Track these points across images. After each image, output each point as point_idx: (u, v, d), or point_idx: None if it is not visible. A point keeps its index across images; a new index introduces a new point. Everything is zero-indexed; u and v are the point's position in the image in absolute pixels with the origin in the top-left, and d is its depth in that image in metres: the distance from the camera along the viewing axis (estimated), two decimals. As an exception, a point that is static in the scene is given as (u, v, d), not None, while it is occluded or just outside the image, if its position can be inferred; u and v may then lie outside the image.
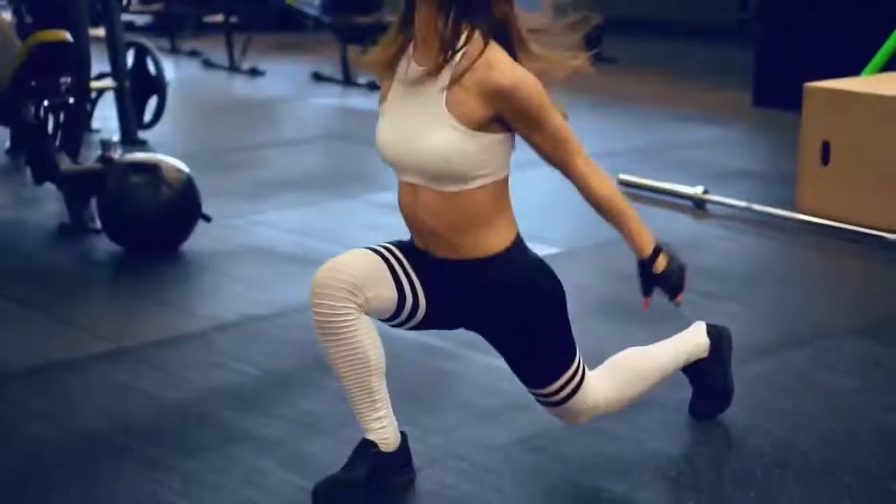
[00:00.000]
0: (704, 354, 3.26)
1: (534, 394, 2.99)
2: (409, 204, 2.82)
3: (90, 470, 3.02)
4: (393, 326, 2.89)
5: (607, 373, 3.07)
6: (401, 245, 2.89)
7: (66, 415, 3.35)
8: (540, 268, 2.88)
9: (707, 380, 3.28)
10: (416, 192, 2.78)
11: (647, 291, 2.91)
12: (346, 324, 2.75)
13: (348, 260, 2.79)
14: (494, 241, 2.80)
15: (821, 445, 3.17)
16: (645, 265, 2.88)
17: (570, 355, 2.92)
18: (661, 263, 2.88)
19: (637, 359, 3.13)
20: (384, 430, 2.86)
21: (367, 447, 2.86)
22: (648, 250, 2.87)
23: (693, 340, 3.25)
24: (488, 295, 2.83)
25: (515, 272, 2.82)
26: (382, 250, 2.84)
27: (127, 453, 3.11)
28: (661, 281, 2.89)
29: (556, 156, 2.79)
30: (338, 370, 2.81)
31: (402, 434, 2.92)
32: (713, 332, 3.29)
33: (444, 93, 2.69)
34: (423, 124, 2.71)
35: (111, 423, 3.29)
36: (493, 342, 2.95)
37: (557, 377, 2.91)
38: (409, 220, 2.85)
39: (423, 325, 2.90)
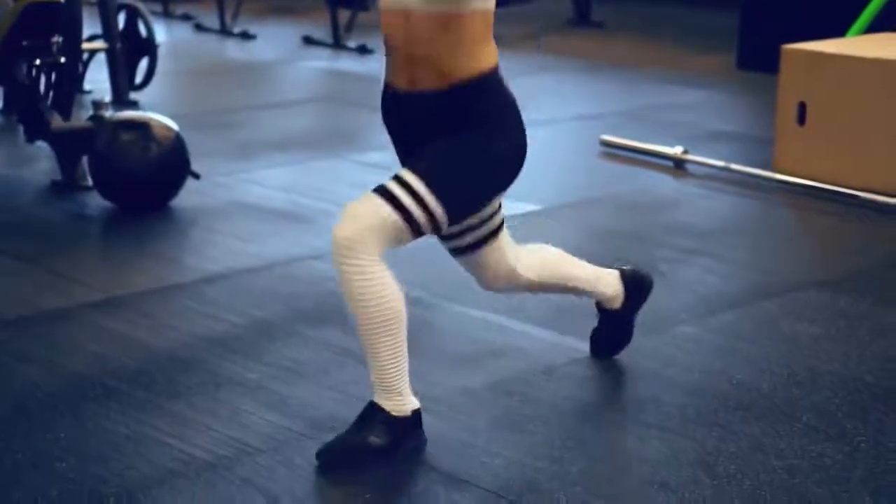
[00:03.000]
0: (616, 306, 3.40)
1: (441, 237, 3.06)
2: (398, 34, 2.85)
3: (80, 411, 3.15)
4: None
5: (534, 252, 3.22)
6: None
7: (58, 360, 3.47)
8: (513, 108, 2.91)
9: (614, 324, 3.44)
10: (409, 19, 2.82)
11: None
12: (376, 279, 2.81)
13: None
14: (483, 63, 2.85)
15: (783, 389, 3.30)
16: None
17: (485, 199, 2.97)
18: None
19: (562, 261, 3.28)
20: (410, 398, 2.92)
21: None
22: None
23: (612, 285, 3.37)
24: (458, 117, 2.85)
25: (493, 100, 2.87)
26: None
27: (116, 396, 3.24)
28: None
29: None
30: (372, 333, 2.83)
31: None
32: (630, 283, 3.41)
33: None
34: None
35: (101, 367, 3.41)
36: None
37: (459, 213, 2.89)
38: (399, 54, 2.87)
39: None
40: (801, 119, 5.36)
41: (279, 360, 3.48)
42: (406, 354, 2.88)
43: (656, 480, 2.82)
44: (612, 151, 5.89)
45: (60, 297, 3.95)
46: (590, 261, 4.28)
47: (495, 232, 3.11)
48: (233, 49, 8.89)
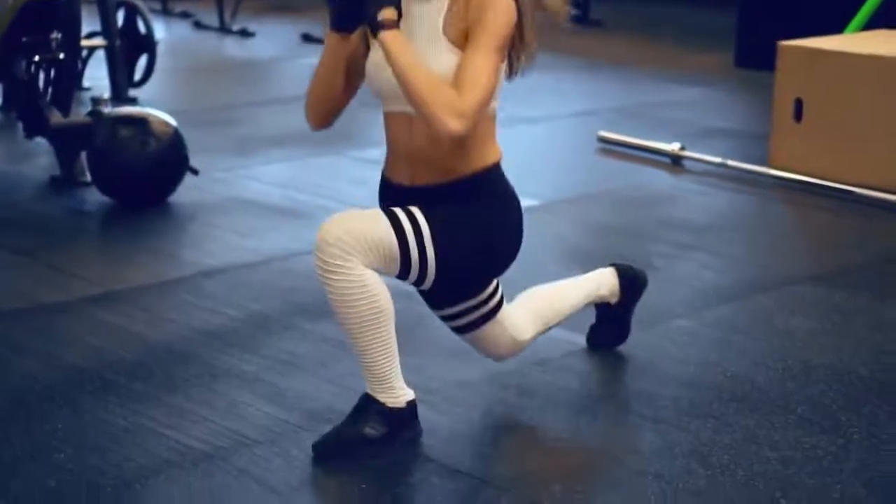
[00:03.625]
0: (614, 300, 3.43)
1: (439, 316, 3.12)
2: (402, 136, 2.86)
3: (78, 403, 3.16)
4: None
5: (527, 310, 3.21)
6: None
7: (56, 353, 3.48)
8: (514, 202, 2.94)
9: (612, 317, 3.47)
10: (412, 123, 2.83)
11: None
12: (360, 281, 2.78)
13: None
14: (485, 160, 2.87)
15: (777, 382, 3.32)
16: None
17: (483, 286, 3.03)
18: None
19: (555, 298, 3.28)
20: (404, 390, 2.91)
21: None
22: None
23: (608, 283, 3.41)
24: (463, 198, 2.86)
25: (494, 192, 2.89)
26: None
27: (114, 388, 3.25)
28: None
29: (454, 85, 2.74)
30: (361, 330, 2.81)
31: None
32: (625, 279, 3.43)
33: (442, 14, 2.77)
34: (419, 51, 2.75)
35: (99, 360, 3.43)
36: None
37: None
38: (401, 154, 2.88)
39: None
40: (798, 115, 5.38)
41: (276, 352, 3.50)
42: (396, 347, 2.88)
43: (650, 471, 2.84)
44: (610, 148, 5.91)
45: (59, 291, 3.97)
46: (586, 256, 4.32)
47: (494, 311, 3.11)
48: (232, 46, 8.91)
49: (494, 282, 3.10)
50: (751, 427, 3.05)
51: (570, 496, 2.74)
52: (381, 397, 2.90)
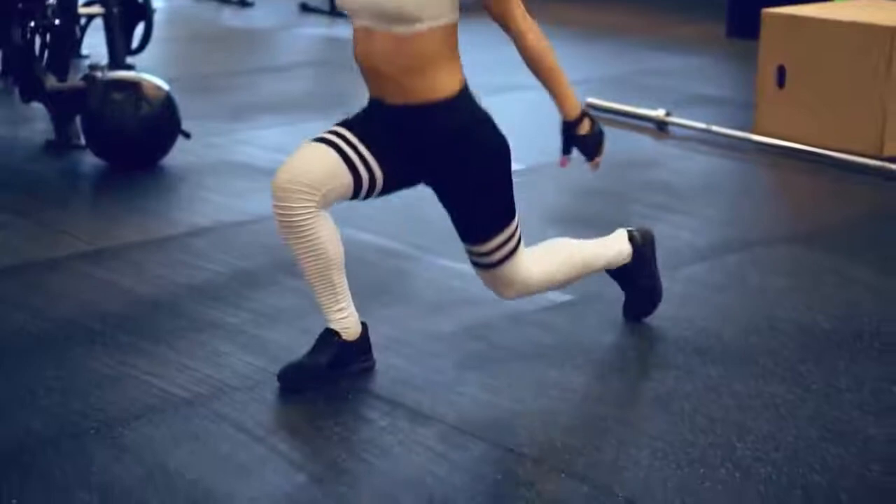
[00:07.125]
0: (628, 260, 3.44)
1: (470, 252, 3.15)
2: (364, 50, 2.98)
3: (65, 352, 3.28)
4: (361, 200, 3.11)
5: (542, 253, 3.26)
6: (350, 123, 3.08)
7: (45, 305, 3.60)
8: (487, 122, 3.03)
9: (635, 282, 3.48)
10: (371, 37, 2.94)
11: (566, 150, 3.12)
12: (306, 222, 2.99)
13: (303, 160, 3.02)
14: (444, 84, 2.96)
15: (742, 336, 3.42)
16: (569, 126, 3.08)
17: (510, 215, 3.10)
18: (584, 127, 3.08)
19: (569, 249, 3.33)
20: (345, 321, 3.11)
21: (329, 336, 3.12)
22: (574, 113, 3.06)
23: (615, 247, 3.42)
24: (438, 140, 2.98)
25: (464, 119, 2.99)
26: (333, 138, 3.05)
27: (100, 338, 3.37)
28: (581, 143, 3.09)
29: (497, 6, 2.96)
30: (302, 266, 3.05)
31: (363, 325, 3.16)
32: (635, 236, 3.46)
33: None
34: None
35: (87, 312, 3.54)
36: (441, 193, 3.10)
37: (495, 234, 3.07)
38: (365, 67, 3.00)
39: (386, 191, 3.11)
40: (781, 82, 5.47)
41: (259, 306, 3.61)
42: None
43: (613, 416, 2.95)
44: (598, 114, 5.98)
45: (50, 249, 4.08)
46: (568, 216, 4.42)
47: (518, 244, 3.16)
48: (230, 16, 8.98)
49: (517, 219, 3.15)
50: (713, 377, 3.16)
51: (534, 440, 2.85)
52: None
